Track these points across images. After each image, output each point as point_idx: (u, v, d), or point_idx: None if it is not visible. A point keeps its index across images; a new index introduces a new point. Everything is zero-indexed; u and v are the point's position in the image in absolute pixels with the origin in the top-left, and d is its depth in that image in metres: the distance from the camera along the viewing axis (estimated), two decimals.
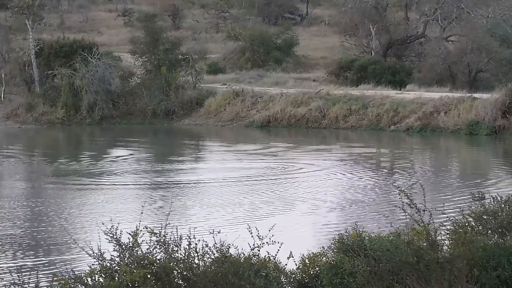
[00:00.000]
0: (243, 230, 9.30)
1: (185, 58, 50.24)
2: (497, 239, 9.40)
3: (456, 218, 9.67)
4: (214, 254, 8.67)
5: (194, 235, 8.68)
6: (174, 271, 8.53)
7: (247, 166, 29.97)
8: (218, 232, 8.87)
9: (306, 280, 9.30)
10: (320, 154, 34.10)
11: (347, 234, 9.46)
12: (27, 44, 50.90)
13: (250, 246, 8.80)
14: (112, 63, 49.64)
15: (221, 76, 54.69)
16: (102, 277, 8.35)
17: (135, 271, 8.32)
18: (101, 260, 8.46)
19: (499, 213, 9.89)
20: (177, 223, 10.51)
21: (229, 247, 8.75)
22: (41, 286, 8.34)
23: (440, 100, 40.96)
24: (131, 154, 35.24)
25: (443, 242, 9.21)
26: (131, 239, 8.60)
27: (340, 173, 27.68)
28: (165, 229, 8.71)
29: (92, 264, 8.48)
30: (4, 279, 8.89)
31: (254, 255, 8.77)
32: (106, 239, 8.55)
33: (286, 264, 9.12)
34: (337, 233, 9.71)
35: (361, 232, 9.46)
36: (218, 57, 63.06)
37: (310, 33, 72.17)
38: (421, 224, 9.13)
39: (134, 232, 8.65)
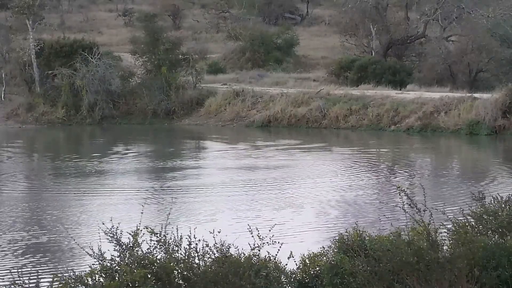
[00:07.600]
0: (244, 231, 9.30)
1: (185, 58, 50.19)
2: (498, 239, 9.41)
3: (456, 218, 9.67)
4: (214, 254, 8.67)
5: (194, 235, 8.68)
6: (175, 271, 8.53)
7: (247, 166, 29.95)
8: (219, 232, 8.86)
9: (306, 280, 9.29)
10: (320, 154, 34.10)
11: (347, 234, 9.46)
12: (27, 44, 50.86)
13: (250, 246, 8.80)
14: (113, 63, 49.58)
15: (221, 76, 54.63)
16: (102, 277, 8.35)
17: (135, 271, 8.32)
18: (101, 260, 8.46)
19: (499, 213, 9.90)
20: (179, 224, 10.50)
21: (229, 247, 8.75)
22: (41, 286, 8.34)
23: (440, 100, 40.93)
24: (132, 154, 35.23)
25: (443, 242, 9.21)
26: (131, 239, 8.59)
27: (341, 173, 27.70)
28: (165, 229, 8.71)
29: (93, 264, 8.48)
30: (5, 279, 8.89)
31: (254, 255, 8.76)
32: (107, 239, 8.56)
33: (286, 264, 9.11)
34: (338, 233, 9.70)
35: (361, 232, 9.46)
36: (219, 57, 63.02)
37: (310, 33, 72.14)
38: (421, 224, 9.13)
39: (134, 232, 8.65)
